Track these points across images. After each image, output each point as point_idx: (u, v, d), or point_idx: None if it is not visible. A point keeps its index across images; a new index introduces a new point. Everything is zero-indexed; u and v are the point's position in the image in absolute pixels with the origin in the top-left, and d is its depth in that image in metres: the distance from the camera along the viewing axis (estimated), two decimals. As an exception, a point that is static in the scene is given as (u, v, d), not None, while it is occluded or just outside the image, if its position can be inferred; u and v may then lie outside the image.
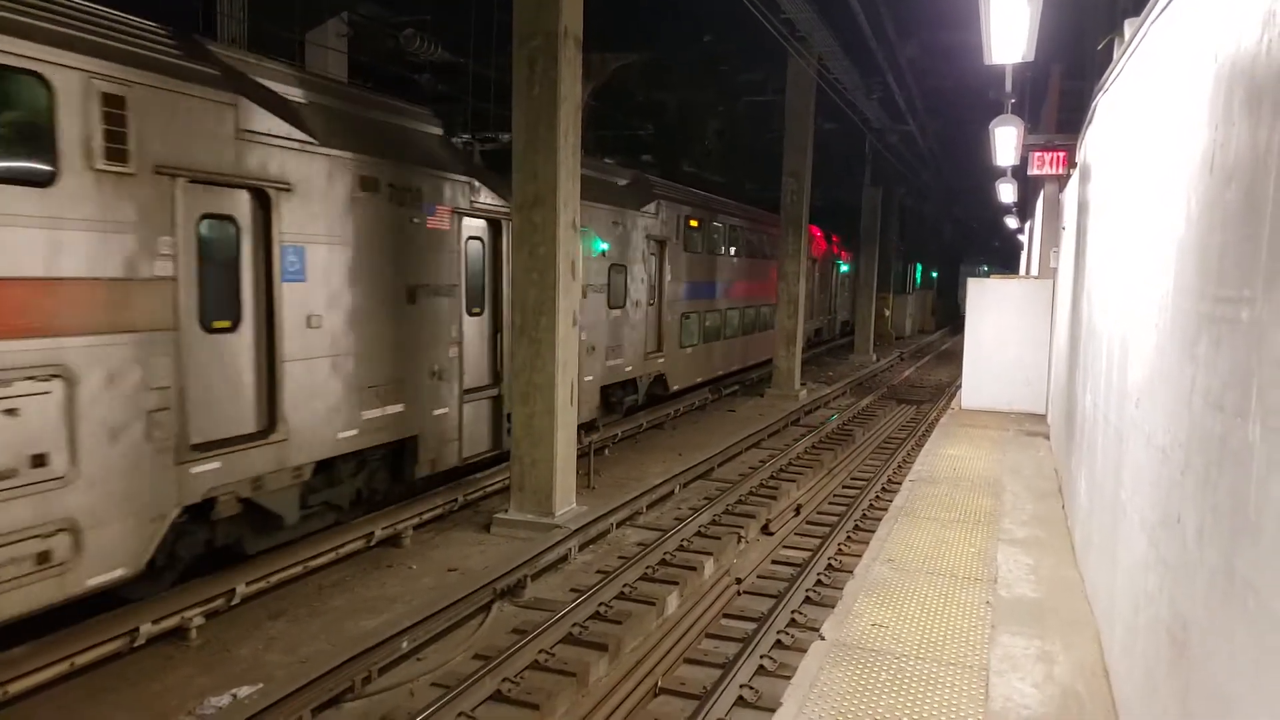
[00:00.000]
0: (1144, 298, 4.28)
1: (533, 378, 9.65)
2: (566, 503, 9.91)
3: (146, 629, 6.55)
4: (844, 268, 35.15)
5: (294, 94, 8.18)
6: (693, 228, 17.91)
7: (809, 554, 9.19)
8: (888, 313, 37.97)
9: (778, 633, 7.09)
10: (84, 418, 6.00)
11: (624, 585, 8.05)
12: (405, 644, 6.66)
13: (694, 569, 8.60)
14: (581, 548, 9.27)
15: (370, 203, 8.77)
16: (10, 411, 5.56)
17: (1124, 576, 4.42)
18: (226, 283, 7.37)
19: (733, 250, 20.65)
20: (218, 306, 7.25)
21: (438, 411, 10.05)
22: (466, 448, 10.66)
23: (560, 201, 9.40)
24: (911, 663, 5.03)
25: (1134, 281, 4.72)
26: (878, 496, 11.47)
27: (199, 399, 7.00)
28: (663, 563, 8.78)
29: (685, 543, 9.39)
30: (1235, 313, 2.58)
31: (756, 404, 19.60)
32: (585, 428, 13.39)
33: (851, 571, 6.80)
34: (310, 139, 7.99)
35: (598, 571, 8.58)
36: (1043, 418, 13.41)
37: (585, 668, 6.45)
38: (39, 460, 5.75)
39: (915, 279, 46.19)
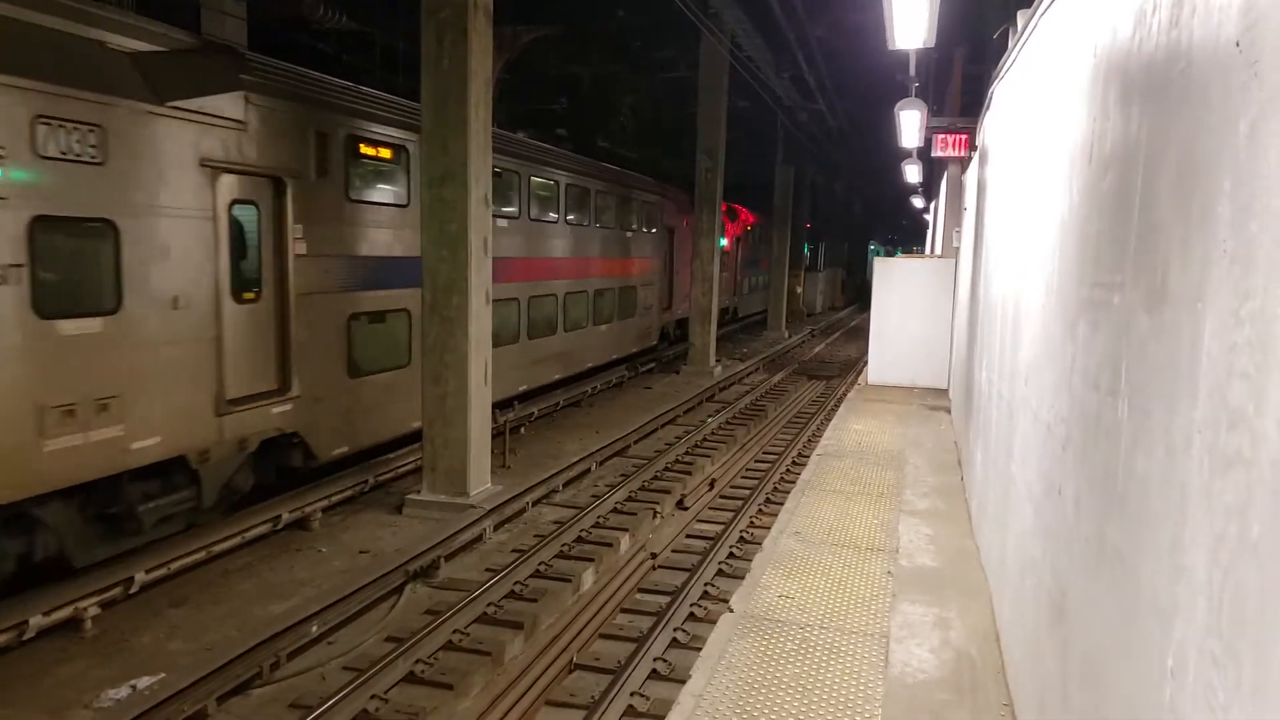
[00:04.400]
0: (1033, 280, 4.49)
1: (444, 357, 9.51)
2: (481, 482, 9.84)
3: (36, 621, 6.29)
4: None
5: (672, 194, 22.68)
6: (749, 230, 31.91)
7: (722, 527, 9.38)
8: (800, 290, 38.74)
9: (691, 605, 7.24)
10: (648, 298, 21.28)
11: (539, 563, 8.08)
12: (315, 628, 6.56)
13: (610, 545, 8.68)
14: (497, 527, 9.25)
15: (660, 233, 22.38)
16: (648, 292, 21.09)
17: (1013, 545, 4.66)
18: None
19: (751, 241, 33.37)
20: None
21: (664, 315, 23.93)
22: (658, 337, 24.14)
23: (471, 177, 9.24)
24: (816, 632, 5.21)
25: (1025, 264, 4.95)
26: (788, 470, 11.77)
27: (663, 293, 22.67)
28: (579, 540, 8.83)
29: (601, 519, 9.46)
30: (1108, 297, 2.74)
31: (673, 381, 19.81)
32: (725, 318, 27.59)
33: (761, 544, 6.98)
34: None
35: (513, 550, 8.58)
36: (945, 393, 13.94)
37: (500, 646, 6.46)
38: (652, 303, 21.58)
39: (825, 257, 47.18)
